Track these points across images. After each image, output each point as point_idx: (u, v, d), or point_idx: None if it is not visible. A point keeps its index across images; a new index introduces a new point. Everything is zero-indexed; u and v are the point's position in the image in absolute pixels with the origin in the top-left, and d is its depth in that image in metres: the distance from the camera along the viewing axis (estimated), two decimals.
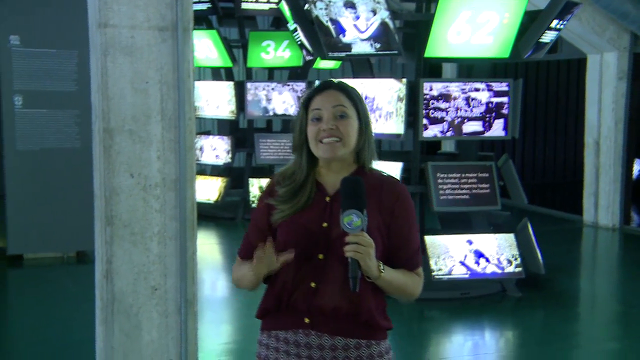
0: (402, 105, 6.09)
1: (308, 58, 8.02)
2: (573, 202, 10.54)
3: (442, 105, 6.13)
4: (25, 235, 7.32)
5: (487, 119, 6.24)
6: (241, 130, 10.44)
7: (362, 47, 6.06)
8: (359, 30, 5.97)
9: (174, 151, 3.39)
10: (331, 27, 6.05)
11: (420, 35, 6.16)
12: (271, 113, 9.57)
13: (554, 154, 14.22)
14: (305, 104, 2.22)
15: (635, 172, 11.15)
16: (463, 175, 6.30)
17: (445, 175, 6.25)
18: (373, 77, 6.67)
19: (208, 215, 9.51)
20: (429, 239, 6.20)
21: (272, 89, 9.48)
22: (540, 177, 14.04)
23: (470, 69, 7.00)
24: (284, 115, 9.54)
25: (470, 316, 6.05)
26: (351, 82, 6.56)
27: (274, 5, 9.40)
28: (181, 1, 3.33)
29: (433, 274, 6.07)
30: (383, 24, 5.82)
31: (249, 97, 9.46)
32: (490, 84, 6.25)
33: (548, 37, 6.31)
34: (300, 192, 2.19)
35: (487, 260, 6.27)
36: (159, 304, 3.43)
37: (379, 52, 6.06)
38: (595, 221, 9.55)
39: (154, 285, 3.42)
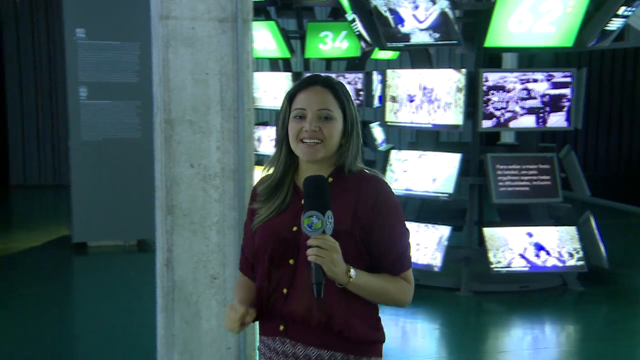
0: (461, 96, 6.03)
1: (366, 49, 7.98)
2: (638, 194, 10.24)
3: (495, 97, 6.03)
4: (89, 224, 7.52)
5: (542, 114, 6.10)
6: None
7: (420, 37, 6.00)
8: (418, 20, 5.91)
9: (233, 141, 3.41)
10: (390, 17, 6.01)
11: (480, 25, 6.07)
12: None
13: (618, 145, 13.81)
14: (289, 98, 2.11)
15: None
16: (523, 166, 6.20)
17: (505, 167, 6.16)
18: (432, 67, 6.60)
19: None
20: (487, 231, 6.15)
21: None
22: (603, 168, 13.66)
23: (532, 59, 6.85)
24: None
25: (529, 309, 5.95)
26: (410, 72, 6.58)
27: None
28: None
29: (492, 266, 6.00)
30: (442, 14, 5.75)
31: None
32: (552, 74, 6.11)
33: (614, 24, 6.11)
34: (277, 193, 2.11)
35: (548, 253, 6.15)
36: (217, 293, 3.46)
37: (438, 42, 6.00)
38: None
39: (213, 274, 3.46)
